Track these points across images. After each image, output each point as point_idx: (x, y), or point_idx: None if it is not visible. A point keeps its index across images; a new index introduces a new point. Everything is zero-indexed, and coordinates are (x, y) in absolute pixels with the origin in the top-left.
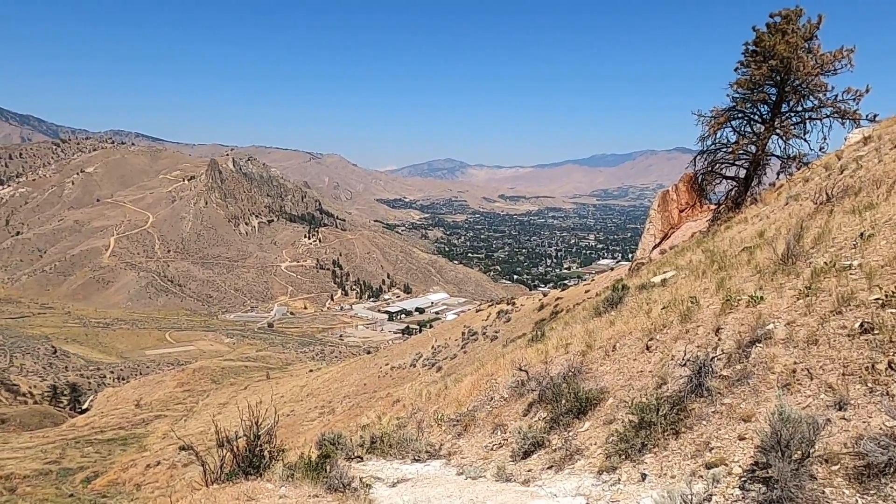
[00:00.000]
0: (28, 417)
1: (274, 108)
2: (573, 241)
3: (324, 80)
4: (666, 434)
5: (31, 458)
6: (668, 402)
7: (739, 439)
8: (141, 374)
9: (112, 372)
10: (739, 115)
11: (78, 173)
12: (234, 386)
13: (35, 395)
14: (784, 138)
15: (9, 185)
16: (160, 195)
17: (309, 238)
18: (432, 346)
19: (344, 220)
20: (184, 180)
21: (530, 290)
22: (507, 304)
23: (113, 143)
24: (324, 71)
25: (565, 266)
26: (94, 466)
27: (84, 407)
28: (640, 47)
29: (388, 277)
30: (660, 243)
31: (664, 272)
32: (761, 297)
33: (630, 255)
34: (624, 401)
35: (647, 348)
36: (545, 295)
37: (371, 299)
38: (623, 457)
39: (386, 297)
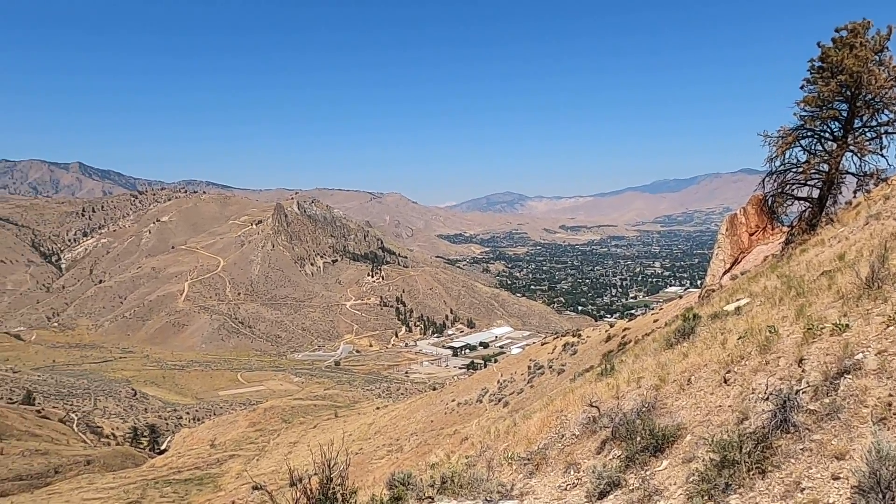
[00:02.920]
0: (111, 458)
1: (335, 151)
2: (638, 269)
3: (383, 119)
4: (751, 473)
5: (114, 499)
6: (752, 438)
7: (833, 479)
8: (215, 414)
9: (188, 413)
10: (809, 134)
11: (154, 222)
12: (303, 425)
13: (117, 436)
14: (859, 155)
15: (92, 237)
16: (230, 240)
17: (372, 276)
18: (498, 381)
19: (406, 258)
20: (251, 225)
21: (596, 320)
22: (573, 336)
23: (185, 192)
24: (383, 111)
25: (631, 295)
26: None
27: (162, 447)
28: (698, 66)
29: (451, 313)
30: (730, 269)
31: (737, 300)
32: (847, 325)
33: (699, 282)
34: (703, 437)
35: (725, 381)
36: (612, 326)
37: (435, 335)
38: (706, 497)
39: (450, 332)
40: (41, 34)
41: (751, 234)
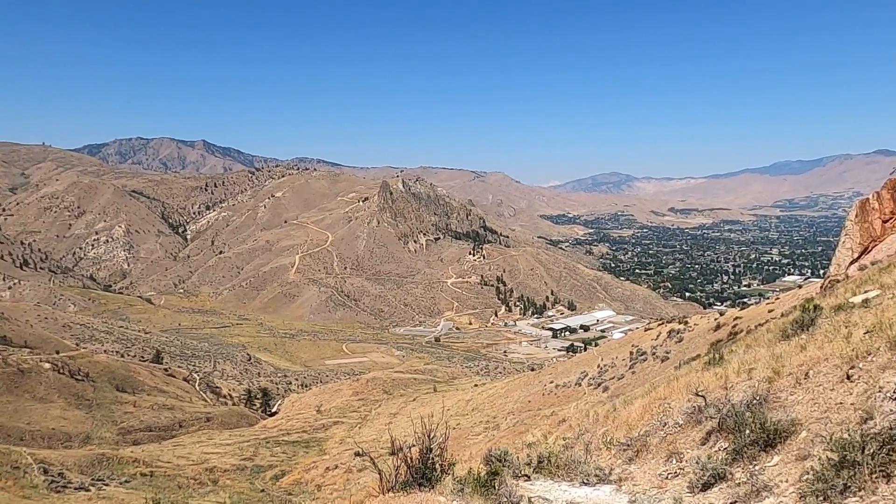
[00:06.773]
0: (228, 417)
1: (440, 130)
2: (753, 255)
3: (489, 97)
4: (874, 476)
5: (230, 454)
6: (876, 439)
7: None
8: (321, 381)
9: (296, 379)
10: None
11: (269, 198)
12: (403, 397)
13: (233, 397)
14: None
15: (214, 210)
16: (338, 216)
17: (473, 255)
18: (598, 365)
19: (507, 237)
20: (359, 202)
21: (704, 308)
22: (679, 322)
23: (298, 169)
24: (490, 89)
25: (744, 283)
26: (282, 465)
27: (273, 410)
28: (826, 33)
29: (552, 294)
30: (858, 258)
31: (866, 291)
32: None
33: (821, 272)
34: (820, 435)
35: (848, 377)
36: (721, 314)
37: (535, 316)
38: (821, 497)
39: (549, 313)
40: (174, 28)
41: (884, 222)
